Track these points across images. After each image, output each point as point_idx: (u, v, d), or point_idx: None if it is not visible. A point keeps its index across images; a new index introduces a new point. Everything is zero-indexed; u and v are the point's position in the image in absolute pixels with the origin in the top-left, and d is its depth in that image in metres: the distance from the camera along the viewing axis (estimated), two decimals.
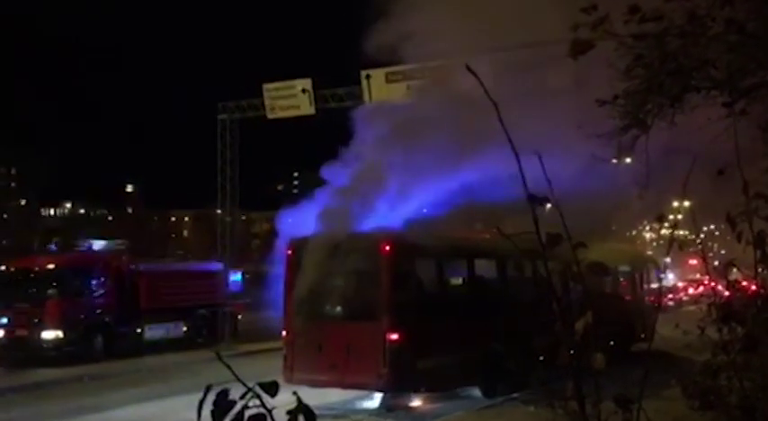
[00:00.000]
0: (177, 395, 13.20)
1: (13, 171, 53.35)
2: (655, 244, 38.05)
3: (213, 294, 23.99)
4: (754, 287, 3.41)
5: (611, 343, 12.46)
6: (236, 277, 26.72)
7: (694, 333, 3.68)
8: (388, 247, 12.29)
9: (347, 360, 11.97)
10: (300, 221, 13.59)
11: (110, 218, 72.24)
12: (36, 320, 19.83)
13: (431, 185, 12.80)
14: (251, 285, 27.33)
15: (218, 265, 25.77)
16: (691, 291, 41.06)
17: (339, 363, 11.95)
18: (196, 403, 1.46)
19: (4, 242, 44.87)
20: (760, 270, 2.94)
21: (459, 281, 14.40)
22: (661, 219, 3.65)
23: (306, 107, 24.36)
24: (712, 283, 3.66)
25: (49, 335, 19.77)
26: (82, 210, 74.85)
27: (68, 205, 75.07)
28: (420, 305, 12.57)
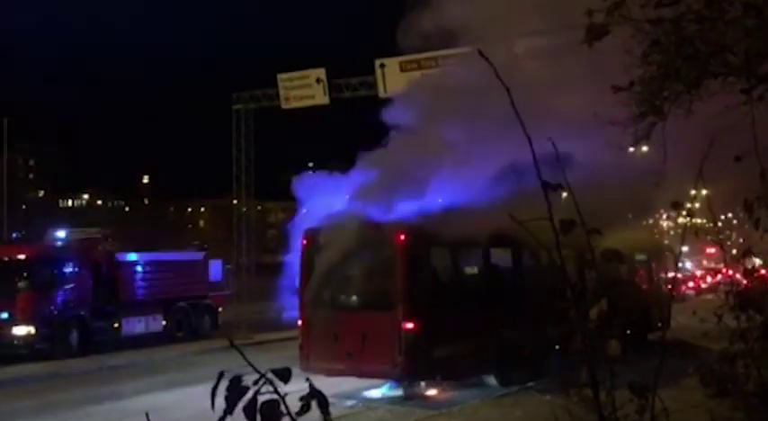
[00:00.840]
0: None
1: (31, 163, 53.91)
2: (672, 232, 37.79)
3: (194, 286, 22.92)
4: None
5: (627, 331, 12.42)
6: (217, 267, 25.03)
7: (712, 321, 3.65)
8: (402, 237, 12.29)
9: (363, 349, 12.03)
10: (315, 211, 13.61)
11: (126, 208, 72.84)
12: (5, 315, 18.50)
13: (448, 176, 12.71)
14: (234, 276, 25.98)
15: (198, 255, 24.94)
16: (709, 279, 40.78)
17: (355, 352, 12.01)
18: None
19: (23, 232, 45.36)
20: None
21: (474, 269, 14.39)
22: (677, 206, 3.61)
23: (320, 97, 24.37)
24: (730, 272, 3.63)
25: (20, 330, 18.43)
26: (99, 202, 75.49)
27: (86, 196, 75.70)
28: (435, 294, 12.59)
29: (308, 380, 1.53)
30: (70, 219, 51.23)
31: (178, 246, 35.93)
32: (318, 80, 24.10)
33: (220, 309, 23.97)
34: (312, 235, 13.09)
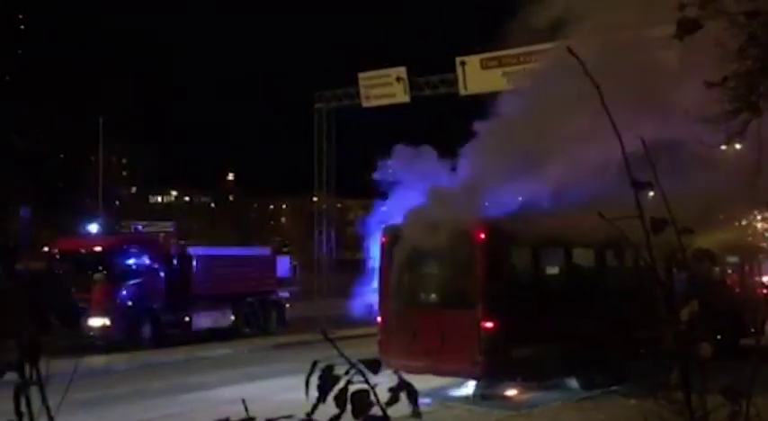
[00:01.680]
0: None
1: (124, 161, 56.39)
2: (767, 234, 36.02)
3: (262, 281, 22.78)
4: None
5: (718, 336, 11.95)
6: (284, 264, 25.18)
7: None
8: (483, 235, 12.22)
9: (442, 347, 12.03)
10: (395, 209, 13.66)
11: (212, 205, 75.22)
12: (82, 307, 18.69)
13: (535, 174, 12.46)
14: (301, 272, 25.81)
15: (266, 251, 24.92)
16: None
17: (434, 350, 12.02)
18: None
19: (116, 227, 47.45)
20: None
21: (556, 268, 14.15)
22: None
23: (401, 95, 24.49)
24: None
25: (95, 322, 18.60)
26: (186, 198, 78.22)
27: (174, 193, 78.54)
28: (515, 293, 12.45)
29: (396, 372, 1.57)
30: (159, 214, 53.41)
31: (260, 242, 36.69)
32: (399, 78, 24.23)
33: (288, 305, 23.75)
34: (392, 232, 13.17)
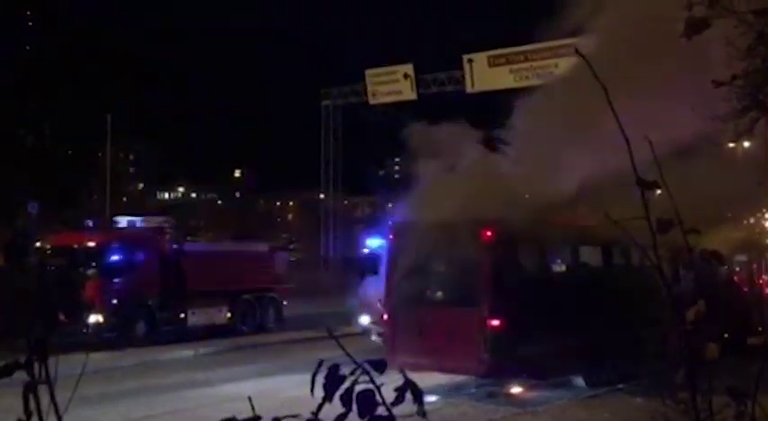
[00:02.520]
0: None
1: (131, 157, 56.56)
2: None
3: (259, 278, 22.20)
4: None
5: (725, 335, 11.90)
6: (282, 260, 24.38)
7: None
8: (488, 233, 12.20)
9: (448, 345, 12.03)
10: (402, 205, 13.64)
11: (219, 201, 75.32)
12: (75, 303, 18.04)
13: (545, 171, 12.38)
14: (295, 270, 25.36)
15: (263, 247, 24.42)
16: None
17: (440, 348, 12.02)
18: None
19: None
20: None
21: (562, 267, 14.13)
22: None
23: (408, 92, 24.49)
24: None
25: (89, 319, 18.07)
26: (193, 194, 78.35)
27: (181, 189, 78.67)
28: (521, 291, 12.43)
29: (401, 371, 1.57)
30: (165, 210, 53.51)
31: (267, 239, 36.67)
32: (406, 75, 24.25)
33: (285, 303, 23.00)
34: (398, 229, 13.16)
